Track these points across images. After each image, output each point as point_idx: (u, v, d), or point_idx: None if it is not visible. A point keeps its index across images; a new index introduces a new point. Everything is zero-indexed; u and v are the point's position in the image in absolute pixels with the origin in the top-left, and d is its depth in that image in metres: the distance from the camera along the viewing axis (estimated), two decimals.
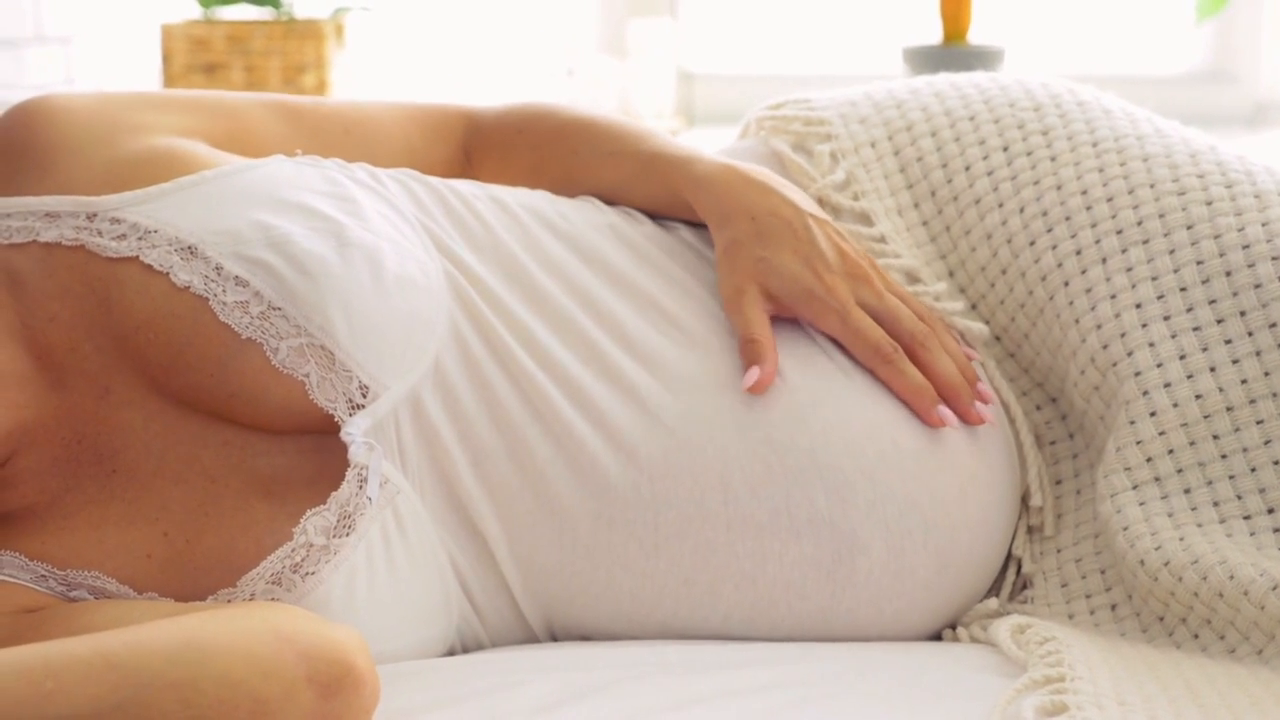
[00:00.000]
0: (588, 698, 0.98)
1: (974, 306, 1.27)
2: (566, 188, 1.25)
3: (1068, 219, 1.22)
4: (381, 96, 2.75)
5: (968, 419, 1.15)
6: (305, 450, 1.07)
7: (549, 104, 1.30)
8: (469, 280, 1.12)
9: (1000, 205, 1.25)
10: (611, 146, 1.24)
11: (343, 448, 1.06)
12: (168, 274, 1.06)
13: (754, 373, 1.10)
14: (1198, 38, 3.16)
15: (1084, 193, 1.22)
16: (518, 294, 1.13)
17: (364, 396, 1.05)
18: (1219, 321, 1.15)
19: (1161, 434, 1.13)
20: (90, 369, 1.06)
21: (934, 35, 2.94)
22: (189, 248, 1.07)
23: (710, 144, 1.38)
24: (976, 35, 2.93)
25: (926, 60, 2.77)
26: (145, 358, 1.06)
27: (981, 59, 2.75)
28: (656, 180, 1.22)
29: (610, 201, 1.24)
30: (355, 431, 1.04)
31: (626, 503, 1.08)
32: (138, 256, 1.07)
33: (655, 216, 1.24)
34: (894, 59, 2.94)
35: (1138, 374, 1.15)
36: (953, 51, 2.80)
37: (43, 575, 1.03)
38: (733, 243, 1.16)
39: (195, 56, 2.62)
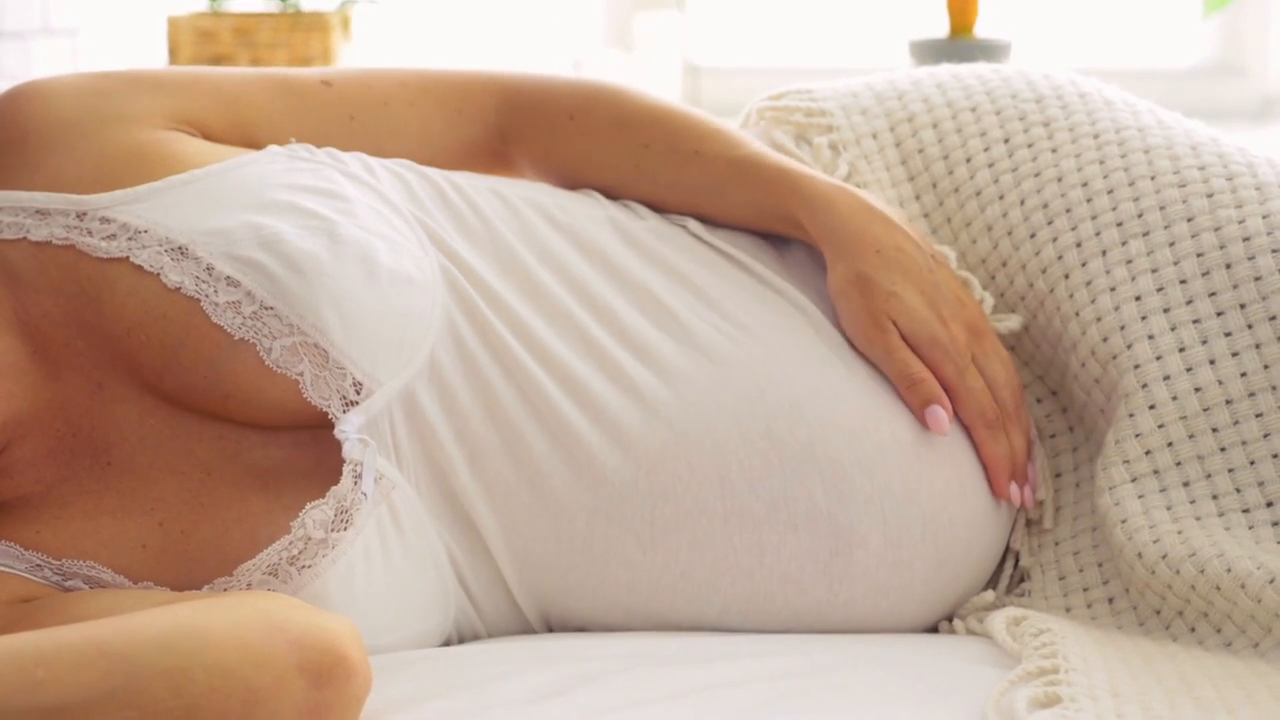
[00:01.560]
0: (581, 688, 0.98)
1: None
2: (634, 182, 1.22)
3: (1068, 211, 1.21)
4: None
5: (1024, 499, 1.16)
6: (301, 443, 1.07)
7: (609, 86, 1.25)
8: (465, 274, 1.11)
9: (1001, 197, 1.25)
10: (695, 145, 1.21)
11: (338, 441, 1.05)
12: (158, 275, 1.05)
13: (939, 413, 1.11)
14: (1205, 31, 3.16)
15: (1085, 185, 1.22)
16: (514, 288, 1.12)
17: (358, 393, 1.05)
18: (1219, 314, 1.14)
19: (1161, 427, 1.13)
20: (83, 365, 1.06)
21: (941, 28, 2.93)
22: (180, 248, 1.06)
23: None
24: (983, 28, 2.92)
25: (933, 53, 2.76)
26: (138, 359, 1.05)
27: (988, 52, 2.75)
28: (759, 189, 1.19)
29: (685, 203, 1.22)
30: (349, 429, 1.04)
31: (623, 497, 1.08)
32: (128, 257, 1.06)
33: (661, 211, 1.22)
34: (901, 52, 2.93)
35: (1137, 367, 1.15)
36: (959, 44, 2.79)
37: (38, 565, 1.03)
38: (861, 275, 1.14)
39: (201, 48, 2.62)
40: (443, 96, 1.24)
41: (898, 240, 1.16)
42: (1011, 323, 1.22)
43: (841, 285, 1.15)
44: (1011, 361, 1.19)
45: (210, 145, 1.15)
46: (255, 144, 1.18)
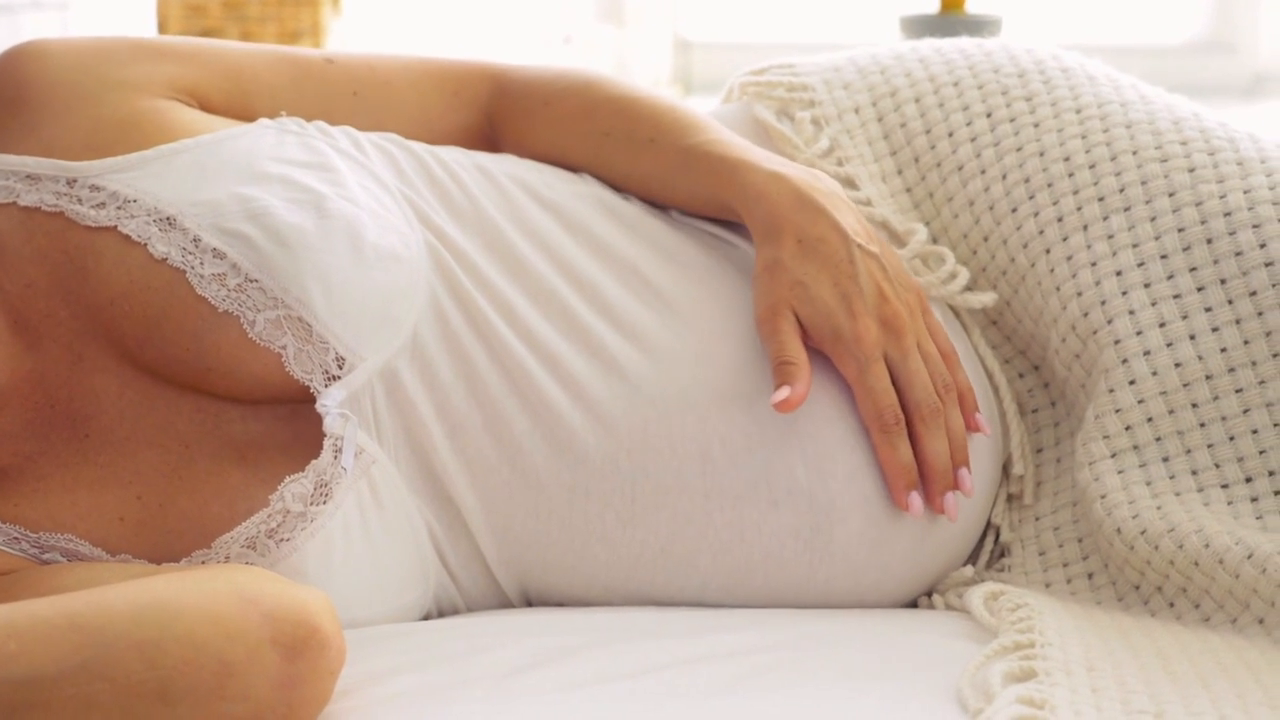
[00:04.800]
0: (557, 662, 0.98)
1: None
2: (595, 169, 1.22)
3: (1049, 186, 1.21)
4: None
5: (933, 506, 1.10)
6: (281, 417, 1.07)
7: (588, 76, 1.25)
8: (450, 252, 1.11)
9: (982, 172, 1.25)
10: (650, 134, 1.20)
11: (318, 415, 1.05)
12: (145, 245, 1.05)
13: (784, 390, 1.06)
14: (1196, 7, 3.16)
15: (1066, 159, 1.21)
16: (499, 265, 1.12)
17: (340, 368, 1.05)
18: (1199, 289, 1.14)
19: (1140, 402, 1.13)
20: (64, 335, 1.06)
21: (931, 4, 2.93)
22: (168, 219, 1.06)
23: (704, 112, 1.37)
24: (974, 4, 2.92)
25: (924, 29, 2.76)
26: (120, 330, 1.05)
27: (978, 28, 2.74)
28: (701, 179, 1.17)
29: (641, 192, 1.20)
30: (330, 403, 1.04)
31: (603, 474, 1.08)
32: (116, 226, 1.06)
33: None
34: (891, 27, 2.93)
35: (1117, 342, 1.15)
36: (950, 20, 2.79)
37: (15, 538, 1.03)
38: (775, 262, 1.11)
39: (190, 22, 2.62)
40: (441, 80, 1.25)
41: (822, 230, 1.12)
42: (985, 298, 1.22)
43: (757, 271, 1.12)
44: (948, 359, 1.14)
45: (205, 116, 1.14)
46: (255, 116, 1.17)
